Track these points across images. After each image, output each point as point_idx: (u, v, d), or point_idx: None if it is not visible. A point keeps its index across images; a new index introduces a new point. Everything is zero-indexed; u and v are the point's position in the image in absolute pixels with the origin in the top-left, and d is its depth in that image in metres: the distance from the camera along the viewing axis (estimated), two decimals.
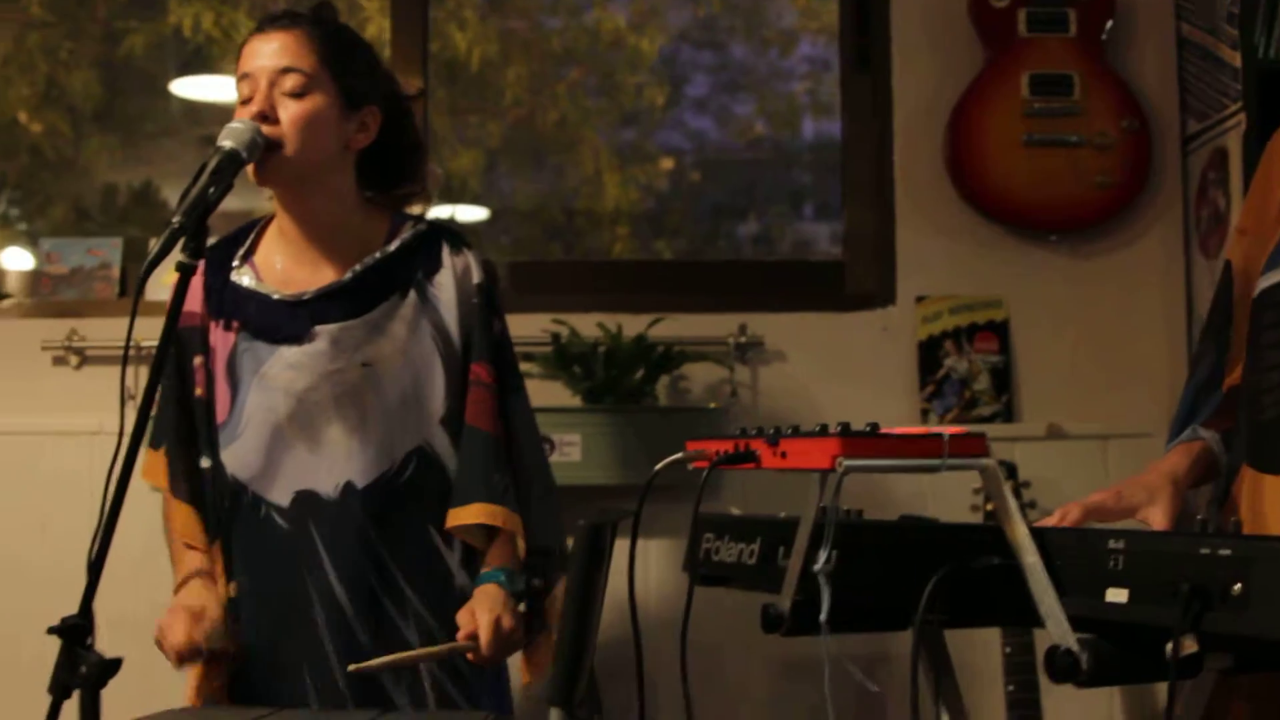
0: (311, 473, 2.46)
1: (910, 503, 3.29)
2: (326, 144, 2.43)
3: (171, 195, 4.06)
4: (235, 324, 2.50)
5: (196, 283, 2.52)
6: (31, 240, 3.88)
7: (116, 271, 3.68)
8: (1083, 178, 3.50)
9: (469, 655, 2.34)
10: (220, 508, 2.51)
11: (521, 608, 2.48)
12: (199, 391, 2.52)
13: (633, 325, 3.44)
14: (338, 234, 2.52)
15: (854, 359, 3.57)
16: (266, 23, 2.44)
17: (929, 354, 3.55)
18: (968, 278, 3.59)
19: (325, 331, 2.47)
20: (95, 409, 3.45)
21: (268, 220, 2.62)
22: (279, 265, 2.53)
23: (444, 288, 2.54)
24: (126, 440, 2.05)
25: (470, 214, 3.97)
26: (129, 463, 2.03)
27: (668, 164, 4.08)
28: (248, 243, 2.58)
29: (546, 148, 4.08)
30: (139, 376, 3.39)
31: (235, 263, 2.55)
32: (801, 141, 4.05)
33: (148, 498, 3.12)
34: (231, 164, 2.21)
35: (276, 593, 2.47)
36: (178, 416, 2.54)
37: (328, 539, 2.45)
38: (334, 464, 2.46)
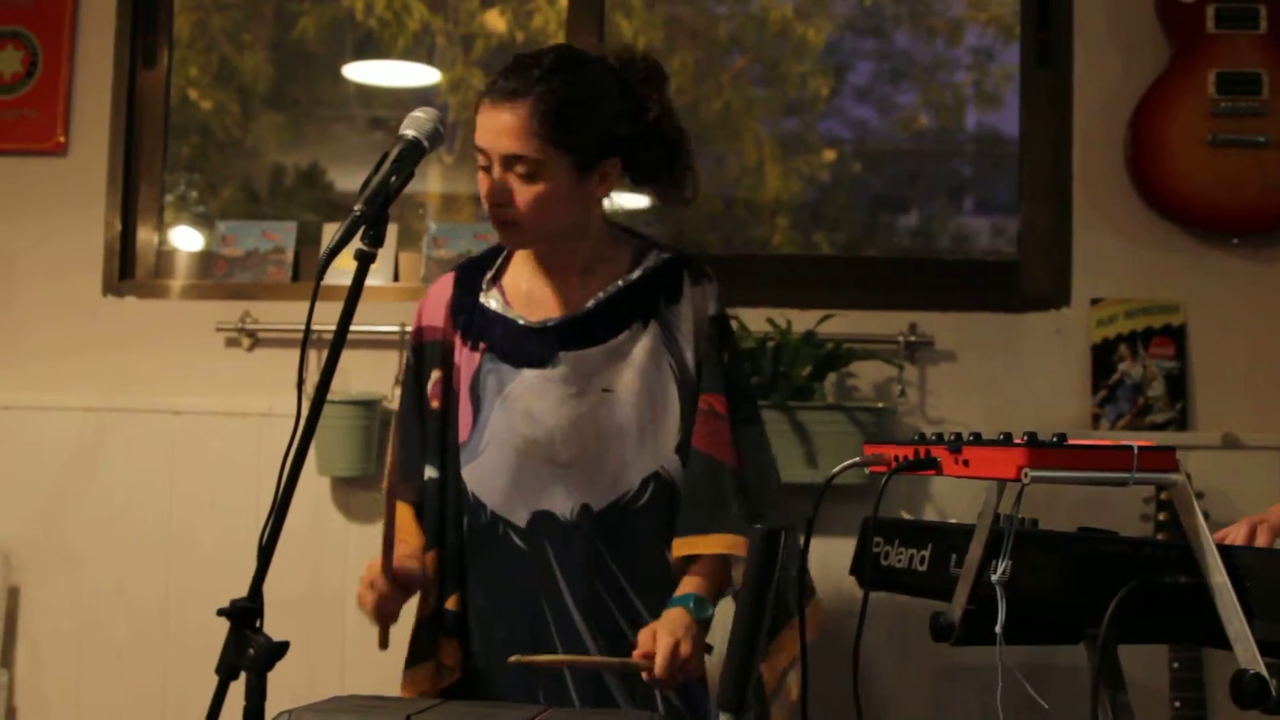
0: (549, 494, 2.48)
1: (1075, 511, 3.22)
2: (562, 216, 2.43)
3: (338, 176, 4.11)
4: (482, 345, 2.54)
5: (442, 297, 2.60)
6: (206, 222, 3.95)
7: (290, 255, 3.74)
8: (1268, 180, 3.40)
9: (643, 674, 2.32)
10: (445, 520, 2.55)
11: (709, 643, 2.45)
12: (435, 404, 2.56)
13: (800, 321, 3.41)
14: (583, 263, 2.53)
15: (1025, 361, 3.51)
16: (496, 92, 2.38)
17: (1103, 358, 3.47)
18: (1145, 280, 3.51)
19: (569, 357, 2.49)
20: (266, 391, 3.52)
21: None
22: (524, 289, 2.56)
23: (684, 318, 2.53)
24: (301, 426, 2.05)
25: (629, 201, 3.96)
26: (302, 449, 2.03)
27: (830, 155, 4.04)
28: (496, 265, 2.61)
29: (709, 136, 4.06)
30: (315, 361, 3.44)
31: (484, 285, 2.59)
32: (965, 133, 3.99)
33: (315, 482, 3.17)
34: (413, 153, 2.21)
35: (513, 611, 2.50)
36: (413, 426, 2.59)
37: (563, 560, 2.48)
38: (571, 486, 2.48)
